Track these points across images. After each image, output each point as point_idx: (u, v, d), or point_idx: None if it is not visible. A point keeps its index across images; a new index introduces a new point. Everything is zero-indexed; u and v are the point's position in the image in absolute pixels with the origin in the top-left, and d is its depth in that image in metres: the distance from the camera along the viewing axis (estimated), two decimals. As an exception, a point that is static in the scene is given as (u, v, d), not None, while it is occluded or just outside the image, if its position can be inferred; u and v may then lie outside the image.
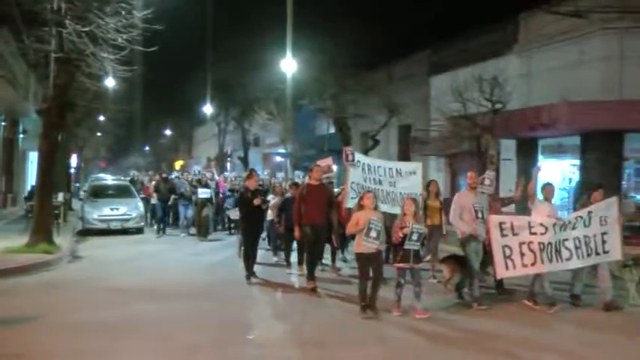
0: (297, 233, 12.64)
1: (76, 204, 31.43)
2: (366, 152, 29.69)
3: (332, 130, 33.02)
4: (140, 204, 23.83)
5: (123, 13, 15.17)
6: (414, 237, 9.91)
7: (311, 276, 12.26)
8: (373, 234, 9.85)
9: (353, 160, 12.65)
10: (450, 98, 21.90)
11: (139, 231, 22.81)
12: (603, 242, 10.91)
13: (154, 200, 23.18)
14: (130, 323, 9.51)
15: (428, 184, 13.97)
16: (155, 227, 22.83)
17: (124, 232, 22.38)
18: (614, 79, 19.17)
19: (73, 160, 39.17)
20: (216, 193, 22.46)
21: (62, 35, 14.93)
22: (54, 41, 15.38)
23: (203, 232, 20.82)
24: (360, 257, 10.13)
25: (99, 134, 50.41)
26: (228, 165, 53.65)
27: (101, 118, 40.19)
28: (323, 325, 9.68)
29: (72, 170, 38.57)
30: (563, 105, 19.18)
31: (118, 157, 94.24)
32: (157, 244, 20.13)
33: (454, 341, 8.85)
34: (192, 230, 21.91)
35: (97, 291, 12.12)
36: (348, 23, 26.58)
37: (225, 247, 19.09)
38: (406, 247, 9.92)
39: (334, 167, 14.56)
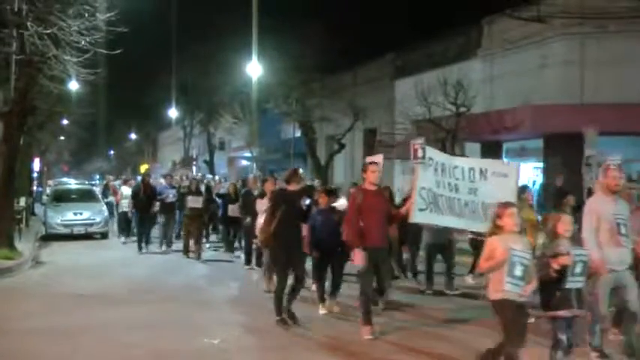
0: (358, 258, 8.85)
1: (38, 209, 30.96)
2: (331, 156, 29.91)
3: (298, 133, 33.04)
4: (104, 208, 23.51)
5: (86, 15, 14.98)
6: (578, 269, 6.51)
7: (367, 320, 8.94)
8: (518, 272, 6.37)
9: (423, 157, 9.05)
10: (414, 102, 22.07)
11: (103, 236, 22.52)
12: None
13: (125, 206, 20.84)
14: (90, 329, 9.39)
15: (521, 191, 10.30)
16: (122, 238, 21.26)
17: (88, 237, 22.08)
18: (575, 83, 19.45)
19: (36, 164, 38.62)
20: (208, 200, 18.98)
21: (23, 37, 14.71)
22: (15, 43, 15.16)
23: (196, 250, 17.37)
24: (503, 306, 6.46)
25: (62, 138, 49.79)
26: (194, 169, 53.30)
27: (64, 121, 39.67)
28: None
29: (34, 174, 38.01)
30: (525, 108, 19.48)
31: (81, 161, 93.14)
32: (121, 249, 19.87)
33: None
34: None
35: (59, 297, 11.96)
36: (313, 27, 26.60)
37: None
38: (568, 285, 6.50)
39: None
